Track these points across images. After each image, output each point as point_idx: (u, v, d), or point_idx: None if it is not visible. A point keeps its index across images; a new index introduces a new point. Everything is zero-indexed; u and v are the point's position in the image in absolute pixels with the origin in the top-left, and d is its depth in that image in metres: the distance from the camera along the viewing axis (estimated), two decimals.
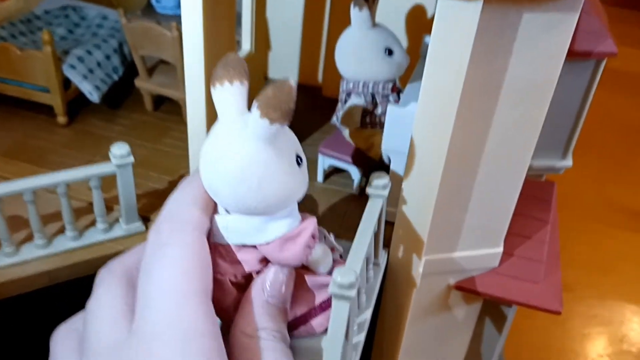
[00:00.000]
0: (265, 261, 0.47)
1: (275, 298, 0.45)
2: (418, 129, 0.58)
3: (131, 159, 0.64)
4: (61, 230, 0.68)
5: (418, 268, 0.67)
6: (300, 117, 0.98)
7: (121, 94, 0.96)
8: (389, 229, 0.67)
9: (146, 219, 0.72)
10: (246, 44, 0.86)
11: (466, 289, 0.70)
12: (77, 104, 0.91)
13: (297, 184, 0.45)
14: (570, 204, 1.55)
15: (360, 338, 0.55)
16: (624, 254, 1.48)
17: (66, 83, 0.87)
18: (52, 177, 0.62)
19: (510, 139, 0.60)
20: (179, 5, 0.99)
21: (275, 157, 0.43)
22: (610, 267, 1.44)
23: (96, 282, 0.47)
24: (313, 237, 0.46)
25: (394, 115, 0.66)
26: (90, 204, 0.71)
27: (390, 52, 0.73)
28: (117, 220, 0.70)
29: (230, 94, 0.44)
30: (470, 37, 0.52)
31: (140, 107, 0.94)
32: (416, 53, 0.85)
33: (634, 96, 2.01)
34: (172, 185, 0.79)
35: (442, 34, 0.53)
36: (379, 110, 0.75)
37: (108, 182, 0.67)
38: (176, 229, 0.43)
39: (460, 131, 0.58)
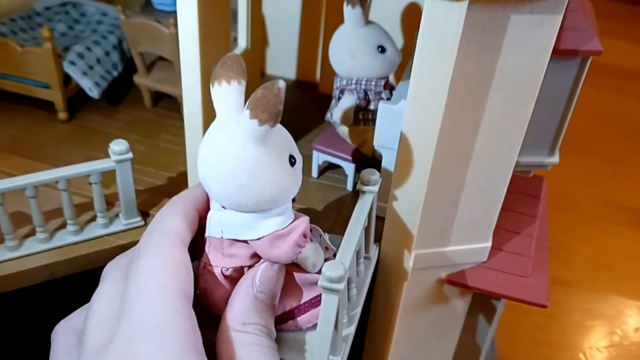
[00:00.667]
0: (256, 257, 0.48)
1: (264, 294, 0.47)
2: (407, 125, 0.60)
3: (130, 155, 0.66)
4: (62, 225, 0.70)
5: (408, 262, 0.69)
6: (297, 113, 1.00)
7: (120, 90, 0.98)
8: (381, 223, 0.69)
9: (145, 214, 0.74)
10: (242, 41, 0.87)
11: (456, 282, 0.72)
12: (77, 99, 0.92)
13: (288, 183, 0.46)
14: (569, 202, 1.57)
15: (350, 330, 0.57)
16: (622, 251, 1.49)
17: (66, 79, 0.89)
18: (53, 173, 0.64)
19: (498, 135, 0.62)
20: (175, 3, 1.00)
21: (265, 155, 0.44)
22: (608, 264, 1.45)
23: (102, 276, 0.49)
24: (304, 236, 0.48)
25: (385, 113, 0.68)
26: (91, 199, 0.73)
27: (382, 49, 0.75)
28: (117, 215, 0.72)
29: (227, 93, 0.46)
30: (457, 36, 0.54)
31: (139, 103, 0.96)
32: (410, 50, 0.87)
33: (632, 92, 2.01)
34: (171, 181, 0.80)
35: (429, 33, 0.54)
36: (371, 107, 0.77)
37: (109, 178, 0.69)
38: (152, 239, 0.46)
39: (448, 128, 0.59)
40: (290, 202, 0.50)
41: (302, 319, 0.51)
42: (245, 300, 0.46)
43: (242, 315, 0.45)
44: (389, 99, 0.76)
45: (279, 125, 0.46)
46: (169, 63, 0.92)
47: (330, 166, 0.84)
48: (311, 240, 0.52)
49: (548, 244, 0.79)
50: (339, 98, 0.77)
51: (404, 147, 0.61)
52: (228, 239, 0.48)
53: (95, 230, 0.70)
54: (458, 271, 0.73)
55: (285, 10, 1.03)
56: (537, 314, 1.27)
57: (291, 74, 1.10)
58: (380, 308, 0.75)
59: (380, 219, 0.68)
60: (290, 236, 0.48)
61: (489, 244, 0.72)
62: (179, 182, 0.80)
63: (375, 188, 0.61)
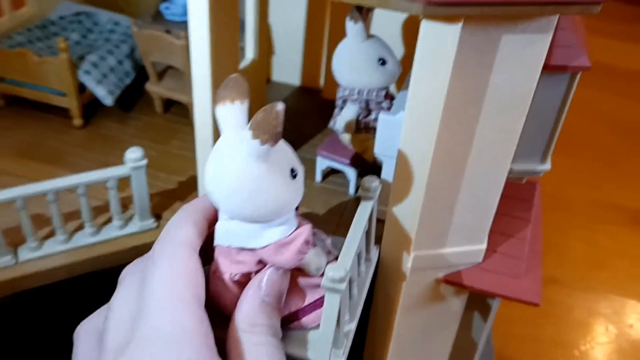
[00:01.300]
0: (262, 263, 0.52)
1: (270, 297, 0.50)
2: (405, 136, 0.64)
3: (145, 162, 0.70)
4: (80, 227, 0.74)
5: (407, 263, 0.73)
6: (301, 118, 1.04)
7: (133, 97, 1.02)
8: (381, 226, 0.73)
9: (158, 217, 0.78)
10: (249, 52, 0.91)
11: (452, 282, 0.76)
12: (91, 106, 0.97)
13: (290, 195, 0.50)
14: (565, 202, 1.60)
15: (351, 327, 0.61)
16: (617, 251, 1.53)
17: (81, 87, 0.93)
18: (73, 179, 0.68)
19: (491, 145, 0.66)
20: (186, 13, 1.04)
21: (267, 171, 0.47)
22: (603, 263, 1.49)
23: (120, 278, 0.53)
24: (307, 242, 0.51)
25: (385, 123, 0.72)
26: (107, 202, 0.77)
27: (383, 62, 0.79)
28: (131, 218, 0.76)
29: (231, 113, 0.50)
30: (452, 55, 0.57)
31: (151, 110, 1.00)
32: (410, 61, 0.90)
33: (631, 94, 2.05)
34: (181, 185, 0.85)
35: (426, 51, 0.58)
36: (372, 116, 0.81)
37: (123, 182, 0.73)
38: (166, 247, 0.49)
39: (443, 139, 0.63)
40: (293, 211, 0.54)
41: (307, 320, 0.55)
42: (253, 303, 0.50)
43: (250, 317, 0.49)
44: (389, 108, 0.80)
45: (280, 142, 0.50)
46: (179, 71, 0.96)
47: (333, 171, 0.88)
48: (314, 245, 0.56)
49: (541, 246, 0.83)
50: (342, 107, 0.81)
51: (402, 156, 0.65)
52: (235, 247, 0.52)
53: (111, 232, 0.75)
54: (454, 272, 0.77)
55: (291, 19, 1.07)
56: (533, 312, 1.31)
57: (296, 81, 1.14)
58: (380, 306, 0.79)
59: (380, 222, 0.72)
60: (293, 244, 0.51)
61: (484, 246, 0.76)
62: (189, 186, 0.84)
63: (376, 194, 0.65)
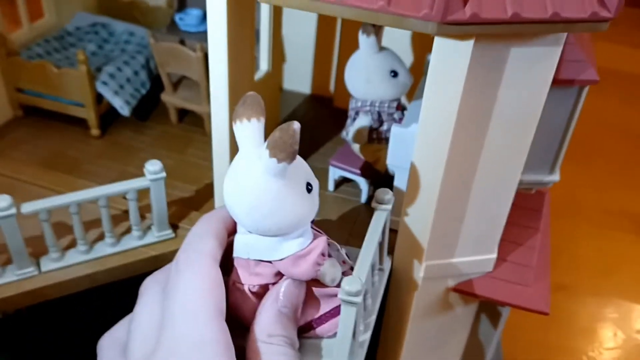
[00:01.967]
0: (280, 275, 0.54)
1: (287, 307, 0.52)
2: (418, 150, 0.65)
3: (163, 174, 0.72)
4: (100, 237, 0.76)
5: (419, 272, 0.74)
6: (313, 127, 1.06)
7: (148, 107, 1.04)
8: (393, 236, 0.74)
9: (175, 226, 0.80)
10: (264, 64, 0.93)
11: (463, 291, 0.78)
12: (108, 116, 0.99)
13: (306, 209, 0.51)
14: (573, 208, 1.61)
15: (366, 337, 0.63)
16: (626, 257, 1.53)
17: (99, 98, 0.95)
18: (95, 192, 0.70)
19: (501, 157, 0.67)
20: (201, 23, 1.06)
21: (284, 187, 0.49)
22: (612, 269, 1.50)
23: (141, 290, 0.55)
24: (322, 254, 0.53)
25: (397, 135, 0.73)
26: (124, 212, 0.79)
27: (395, 74, 0.80)
28: (149, 228, 0.78)
29: (248, 130, 0.51)
30: (464, 70, 0.59)
31: (166, 119, 1.02)
32: (420, 71, 0.92)
33: (637, 100, 2.05)
34: (198, 194, 0.86)
35: (439, 67, 0.60)
36: (384, 127, 0.82)
37: (140, 192, 0.75)
38: (190, 257, 0.51)
39: (456, 151, 0.65)
40: (309, 223, 0.55)
41: (322, 329, 0.57)
42: (271, 314, 0.51)
43: (268, 327, 0.51)
44: (400, 119, 0.82)
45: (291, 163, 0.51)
46: (193, 82, 0.98)
47: (345, 180, 0.90)
48: (329, 256, 0.57)
49: (549, 255, 0.84)
50: (355, 118, 0.83)
51: (415, 168, 0.66)
52: (254, 260, 0.53)
53: (131, 242, 0.76)
54: (465, 280, 0.79)
55: (302, 29, 1.08)
56: (541, 317, 1.32)
57: (307, 89, 1.16)
58: (392, 315, 0.81)
59: (393, 232, 0.74)
60: (310, 256, 0.53)
61: (494, 255, 0.77)
62: (205, 195, 0.86)
63: (389, 206, 0.67)
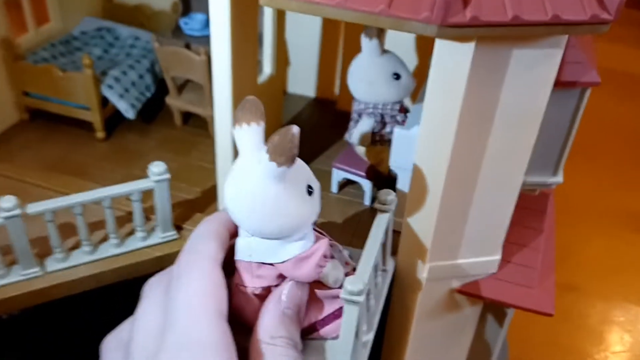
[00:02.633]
0: (282, 277, 0.54)
1: (290, 309, 0.52)
2: (421, 151, 0.66)
3: (168, 175, 0.72)
4: (105, 238, 0.77)
5: (423, 273, 0.74)
6: (317, 129, 1.06)
7: (152, 110, 1.04)
8: (396, 237, 0.74)
9: (179, 227, 0.80)
10: (267, 67, 0.93)
11: (468, 292, 0.78)
12: (113, 119, 0.99)
13: (307, 211, 0.52)
14: (580, 210, 1.61)
15: (369, 337, 0.63)
16: (632, 257, 1.53)
17: (104, 101, 0.96)
18: (99, 193, 0.70)
19: (504, 159, 0.67)
20: (205, 27, 1.07)
21: (284, 190, 0.49)
22: (618, 270, 1.49)
23: (144, 291, 0.55)
24: (324, 256, 0.53)
25: (400, 137, 0.73)
26: (128, 213, 0.80)
27: (398, 76, 0.81)
28: (153, 229, 0.79)
29: (248, 134, 0.51)
30: (465, 72, 0.59)
31: (170, 122, 1.03)
32: (423, 74, 0.92)
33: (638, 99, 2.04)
34: (202, 196, 0.87)
35: (440, 69, 0.60)
36: (387, 129, 0.82)
37: (145, 193, 0.75)
38: (192, 260, 0.51)
39: (458, 152, 0.65)
40: (311, 225, 0.55)
41: (326, 330, 0.57)
42: (274, 315, 0.51)
43: (271, 329, 0.51)
44: (403, 121, 0.82)
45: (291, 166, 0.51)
46: (197, 85, 0.98)
47: (349, 182, 0.90)
48: (332, 257, 0.57)
49: (554, 256, 0.84)
50: (358, 121, 0.83)
51: (418, 169, 0.67)
52: (256, 262, 0.53)
53: (135, 243, 0.77)
54: (470, 282, 0.79)
55: (306, 32, 1.09)
56: (548, 318, 1.32)
57: (311, 92, 1.16)
58: (396, 316, 0.81)
59: (396, 233, 0.74)
60: (312, 258, 0.53)
61: (499, 256, 0.77)
62: (209, 197, 0.87)
63: (392, 207, 0.67)
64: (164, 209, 0.76)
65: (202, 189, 0.88)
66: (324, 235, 0.58)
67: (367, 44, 0.79)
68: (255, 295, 0.54)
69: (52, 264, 0.73)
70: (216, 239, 0.54)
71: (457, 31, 0.56)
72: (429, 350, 0.89)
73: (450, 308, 0.83)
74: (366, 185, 0.86)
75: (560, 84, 0.66)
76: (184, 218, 0.82)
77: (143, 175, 0.89)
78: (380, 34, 0.79)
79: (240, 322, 0.55)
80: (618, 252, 1.53)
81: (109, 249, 0.76)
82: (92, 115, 0.95)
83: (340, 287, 0.56)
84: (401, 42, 0.95)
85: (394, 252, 0.75)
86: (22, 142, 0.96)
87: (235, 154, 0.79)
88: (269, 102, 0.94)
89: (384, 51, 0.81)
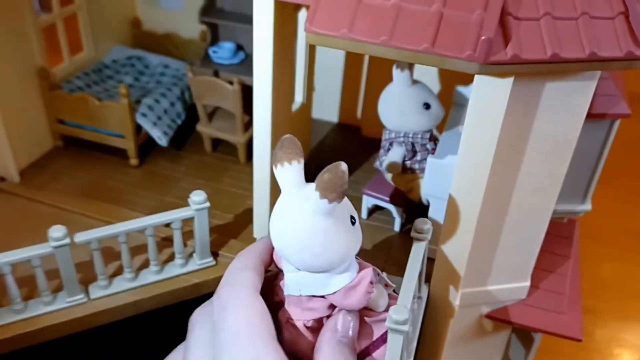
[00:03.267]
0: (332, 307, 0.55)
1: (346, 337, 0.54)
2: (457, 180, 0.68)
3: (207, 204, 0.75)
4: (143, 265, 0.79)
5: (455, 300, 0.76)
6: (342, 155, 1.08)
7: (183, 137, 1.07)
8: (429, 264, 0.76)
9: (215, 254, 0.82)
10: (299, 96, 0.96)
11: (498, 318, 0.79)
12: (145, 146, 1.02)
13: (353, 242, 0.53)
14: (598, 231, 1.61)
15: None
16: None
17: (137, 128, 0.98)
18: (143, 221, 0.73)
19: (537, 188, 0.69)
20: (233, 56, 1.10)
21: (334, 225, 0.51)
22: (637, 293, 1.50)
23: (191, 322, 0.56)
24: (371, 283, 0.55)
25: (433, 167, 0.76)
26: (162, 239, 0.82)
27: (428, 106, 0.83)
28: (191, 256, 0.81)
29: (289, 173, 0.52)
30: (503, 106, 0.62)
31: (201, 149, 1.05)
32: (448, 100, 0.95)
33: None
34: (236, 222, 0.89)
35: (479, 103, 0.62)
36: (417, 157, 0.85)
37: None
38: (232, 292, 0.52)
39: (493, 182, 0.67)
40: (355, 255, 0.56)
41: (378, 354, 0.58)
42: (332, 346, 0.52)
43: (331, 358, 0.52)
44: (433, 149, 0.84)
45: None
46: (227, 113, 1.01)
47: (378, 208, 0.92)
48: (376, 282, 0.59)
49: (580, 281, 0.86)
50: (388, 149, 0.85)
51: (454, 199, 0.69)
52: (306, 296, 0.54)
53: (174, 269, 0.79)
54: (500, 307, 0.80)
55: (331, 60, 1.11)
56: (567, 342, 1.32)
57: (334, 118, 1.19)
58: (428, 341, 0.82)
59: (429, 260, 0.76)
60: (360, 286, 0.54)
61: (528, 283, 0.79)
62: (243, 223, 0.88)
63: (428, 236, 0.69)
64: (202, 237, 0.78)
65: (235, 214, 0.90)
66: (363, 262, 0.60)
67: (399, 75, 0.82)
68: (307, 328, 0.55)
69: (96, 290, 0.75)
70: (253, 270, 0.55)
71: (498, 68, 0.58)
72: None
73: (480, 333, 0.85)
74: (395, 211, 0.88)
75: (591, 116, 0.68)
76: (219, 244, 0.84)
77: (175, 201, 0.92)
78: (411, 65, 0.82)
79: (294, 357, 0.56)
80: (634, 273, 1.54)
81: (149, 276, 0.77)
82: (127, 143, 0.98)
83: (386, 310, 0.58)
84: (426, 71, 0.97)
85: (427, 279, 0.77)
86: (56, 169, 0.99)
87: (272, 179, 0.81)
88: (300, 129, 0.97)
89: (414, 81, 0.84)
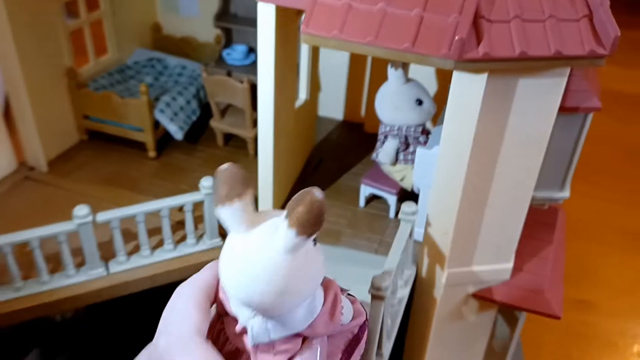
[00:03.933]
0: (304, 337, 0.46)
1: None
2: (440, 168, 0.75)
3: None
4: (159, 244, 0.87)
5: (441, 279, 0.83)
6: (346, 149, 1.16)
7: (197, 132, 1.16)
8: (417, 247, 0.83)
9: (224, 235, 0.90)
10: (302, 93, 1.04)
11: (482, 297, 0.86)
12: (163, 140, 1.11)
13: (322, 266, 0.44)
14: (591, 229, 1.66)
15: (392, 333, 0.71)
16: None
17: (156, 124, 1.07)
18: (159, 203, 0.81)
19: (513, 177, 0.76)
20: (245, 57, 1.19)
21: (304, 258, 0.42)
22: (633, 288, 1.54)
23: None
24: (339, 302, 0.47)
25: (422, 156, 0.83)
26: (175, 223, 0.90)
27: (420, 102, 0.90)
28: (201, 236, 0.89)
29: (236, 212, 0.42)
30: (479, 99, 0.69)
31: (213, 142, 1.13)
32: (443, 99, 1.02)
33: (635, 119, 2.10)
34: None
35: (457, 97, 0.69)
36: (410, 149, 0.92)
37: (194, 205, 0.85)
38: (176, 343, 0.41)
39: (473, 170, 0.74)
40: None
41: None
42: None
43: None
44: (425, 142, 0.91)
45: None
46: (238, 109, 1.09)
47: (375, 197, 0.99)
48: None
49: (563, 265, 0.92)
50: (383, 142, 0.93)
51: (438, 185, 0.76)
52: (278, 339, 0.45)
53: (186, 248, 0.87)
54: (484, 287, 0.87)
55: (336, 61, 1.19)
56: (563, 333, 1.38)
57: (339, 115, 1.26)
58: (417, 320, 0.89)
59: (416, 243, 0.83)
60: (334, 311, 0.46)
61: (511, 264, 0.85)
62: None
63: (414, 218, 0.76)
64: (212, 219, 0.86)
65: None
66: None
67: (393, 73, 0.89)
68: None
69: (115, 266, 0.84)
70: (199, 311, 0.42)
71: (472, 65, 0.65)
72: (447, 354, 0.96)
73: (467, 313, 0.91)
74: (391, 200, 0.95)
75: (564, 109, 0.74)
76: None
77: (189, 189, 1.00)
78: (404, 65, 0.89)
79: None
80: (633, 270, 1.58)
81: (164, 254, 0.86)
82: (145, 137, 1.06)
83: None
84: (423, 71, 1.05)
85: (415, 260, 0.84)
86: (81, 160, 1.08)
87: (275, 167, 0.89)
88: (305, 125, 1.05)
89: (408, 79, 0.91)
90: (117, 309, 1.00)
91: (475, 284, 0.86)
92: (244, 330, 0.44)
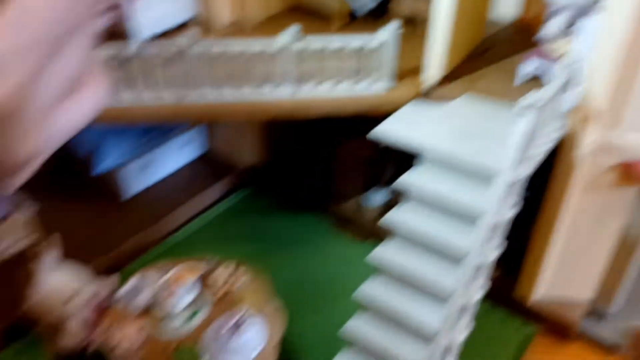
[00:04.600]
0: None
1: None
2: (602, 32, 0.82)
3: (400, 30, 0.98)
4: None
5: (587, 142, 0.90)
6: (514, 45, 1.23)
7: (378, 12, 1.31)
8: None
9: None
10: None
11: (627, 169, 0.90)
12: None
13: None
14: None
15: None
16: None
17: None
18: (344, 40, 0.98)
19: None
20: None
21: None
22: None
23: None
24: None
25: (583, 28, 0.90)
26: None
27: None
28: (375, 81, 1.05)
29: None
30: None
31: None
32: None
33: None
34: (407, 64, 1.11)
35: None
36: (575, 25, 0.99)
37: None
38: None
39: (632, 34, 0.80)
40: None
41: None
42: None
43: None
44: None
45: None
46: None
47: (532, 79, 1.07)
48: None
49: None
50: (551, 19, 1.01)
51: (597, 49, 0.83)
52: None
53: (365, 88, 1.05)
54: (630, 161, 0.91)
55: None
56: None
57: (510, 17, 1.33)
58: (554, 187, 0.97)
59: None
60: None
61: None
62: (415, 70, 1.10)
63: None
64: (390, 62, 1.01)
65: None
66: None
67: None
68: None
69: (305, 90, 1.03)
70: None
71: None
72: (576, 231, 1.02)
73: (605, 186, 0.95)
74: (552, 70, 1.02)
75: None
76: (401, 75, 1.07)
77: None
78: None
79: None
80: None
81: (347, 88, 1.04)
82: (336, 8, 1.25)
83: None
84: None
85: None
86: None
87: (450, 39, 1.00)
88: (478, 9, 1.14)
89: None
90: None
91: (621, 154, 0.91)
92: None
